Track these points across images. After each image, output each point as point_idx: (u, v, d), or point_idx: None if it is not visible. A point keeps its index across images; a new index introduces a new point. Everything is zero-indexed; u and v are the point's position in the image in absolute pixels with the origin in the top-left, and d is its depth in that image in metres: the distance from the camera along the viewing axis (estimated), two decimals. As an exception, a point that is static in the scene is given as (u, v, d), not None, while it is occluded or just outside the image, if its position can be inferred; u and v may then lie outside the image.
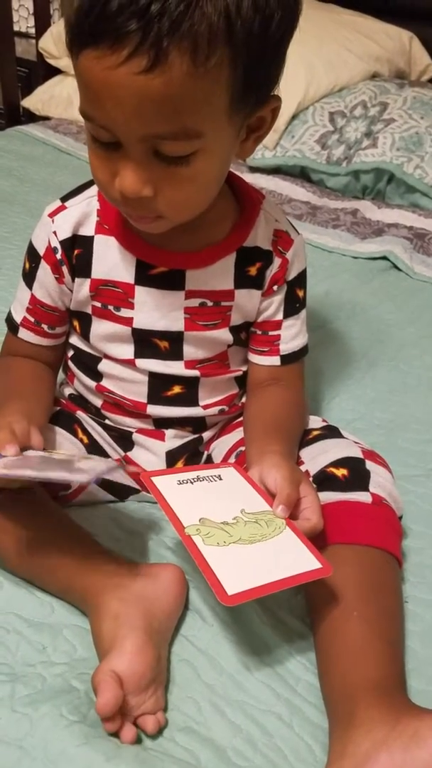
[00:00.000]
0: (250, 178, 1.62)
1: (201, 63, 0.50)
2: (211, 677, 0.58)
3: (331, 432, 0.74)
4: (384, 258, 1.35)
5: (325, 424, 0.77)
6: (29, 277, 0.74)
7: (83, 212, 0.71)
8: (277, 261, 0.73)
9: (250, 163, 1.64)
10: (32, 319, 0.75)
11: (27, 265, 0.74)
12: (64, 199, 0.72)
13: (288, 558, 0.57)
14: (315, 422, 0.77)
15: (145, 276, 0.70)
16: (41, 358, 0.77)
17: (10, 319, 0.77)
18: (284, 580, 0.55)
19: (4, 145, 1.76)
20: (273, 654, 0.61)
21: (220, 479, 0.67)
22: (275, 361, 0.76)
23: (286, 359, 0.77)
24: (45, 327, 0.75)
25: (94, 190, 0.71)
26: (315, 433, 0.74)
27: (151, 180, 0.56)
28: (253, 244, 0.71)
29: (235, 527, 0.59)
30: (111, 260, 0.70)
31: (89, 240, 0.70)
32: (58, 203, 0.72)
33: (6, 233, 1.32)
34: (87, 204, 0.71)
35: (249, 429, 0.74)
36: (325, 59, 1.66)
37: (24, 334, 0.76)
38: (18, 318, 0.76)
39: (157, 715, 0.54)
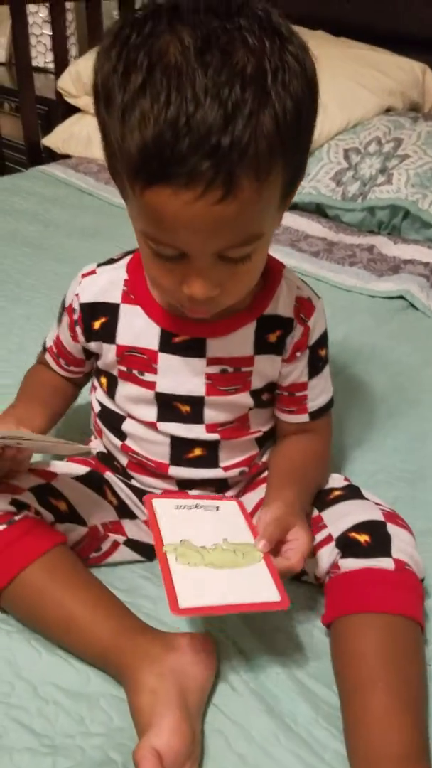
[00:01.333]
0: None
1: (264, 178, 0.53)
2: (242, 747, 0.60)
3: (351, 492, 0.76)
4: (401, 297, 1.37)
5: (346, 483, 0.79)
6: (59, 318, 0.81)
7: (110, 281, 0.75)
8: (299, 329, 0.75)
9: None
10: (55, 351, 0.83)
11: (60, 308, 0.81)
12: (100, 264, 0.77)
13: (250, 586, 0.62)
14: (336, 481, 0.79)
15: (168, 343, 0.73)
16: (62, 376, 0.85)
17: (45, 339, 0.86)
18: (237, 605, 0.60)
19: (27, 186, 1.80)
20: (300, 722, 0.63)
21: (217, 510, 0.72)
22: (304, 418, 0.80)
23: (315, 415, 0.80)
24: (62, 362, 0.82)
25: (124, 261, 0.76)
26: (336, 493, 0.76)
27: (218, 282, 0.60)
28: (273, 312, 0.74)
29: (211, 552, 0.64)
30: (137, 328, 0.74)
31: (115, 308, 0.74)
32: (93, 266, 0.77)
33: (34, 281, 1.36)
34: (116, 274, 0.75)
35: (270, 475, 0.78)
36: (338, 96, 1.69)
37: (48, 358, 0.84)
38: (48, 343, 0.84)
39: None
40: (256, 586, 0.62)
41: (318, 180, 1.63)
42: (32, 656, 0.67)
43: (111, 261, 0.77)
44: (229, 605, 0.60)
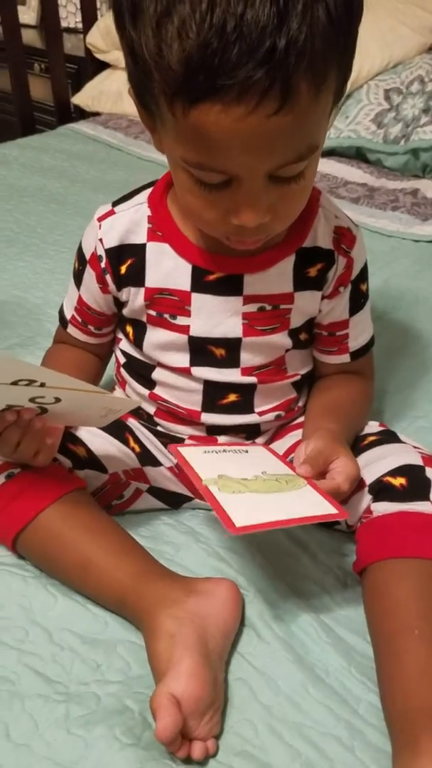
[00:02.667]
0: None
1: (321, 82, 0.47)
2: (267, 698, 0.56)
3: (388, 437, 0.71)
4: (447, 241, 1.29)
5: (382, 428, 0.73)
6: (77, 278, 0.75)
7: (132, 219, 0.69)
8: (342, 261, 0.69)
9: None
10: (80, 319, 0.76)
11: (76, 265, 0.75)
12: (116, 203, 0.71)
13: (302, 504, 0.57)
14: (371, 427, 0.74)
15: (201, 282, 0.68)
16: (89, 349, 0.79)
17: (61, 312, 0.79)
18: (296, 519, 0.56)
19: (55, 144, 1.76)
20: (332, 673, 0.58)
21: (247, 452, 0.68)
22: (345, 359, 0.75)
23: (356, 355, 0.75)
24: (92, 328, 0.76)
25: (143, 196, 0.70)
26: (371, 438, 0.70)
27: (268, 206, 0.54)
28: (312, 244, 0.68)
29: (253, 482, 0.60)
30: (165, 268, 0.69)
31: (141, 248, 0.69)
32: (109, 207, 0.71)
33: (59, 236, 1.32)
34: (136, 211, 0.69)
35: (309, 409, 0.74)
36: (377, 35, 1.59)
37: (72, 330, 0.78)
38: (68, 314, 0.78)
39: (208, 742, 0.53)
40: (308, 503, 0.57)
41: (357, 122, 1.55)
42: (48, 601, 0.64)
43: (127, 197, 0.71)
44: (288, 519, 0.56)
